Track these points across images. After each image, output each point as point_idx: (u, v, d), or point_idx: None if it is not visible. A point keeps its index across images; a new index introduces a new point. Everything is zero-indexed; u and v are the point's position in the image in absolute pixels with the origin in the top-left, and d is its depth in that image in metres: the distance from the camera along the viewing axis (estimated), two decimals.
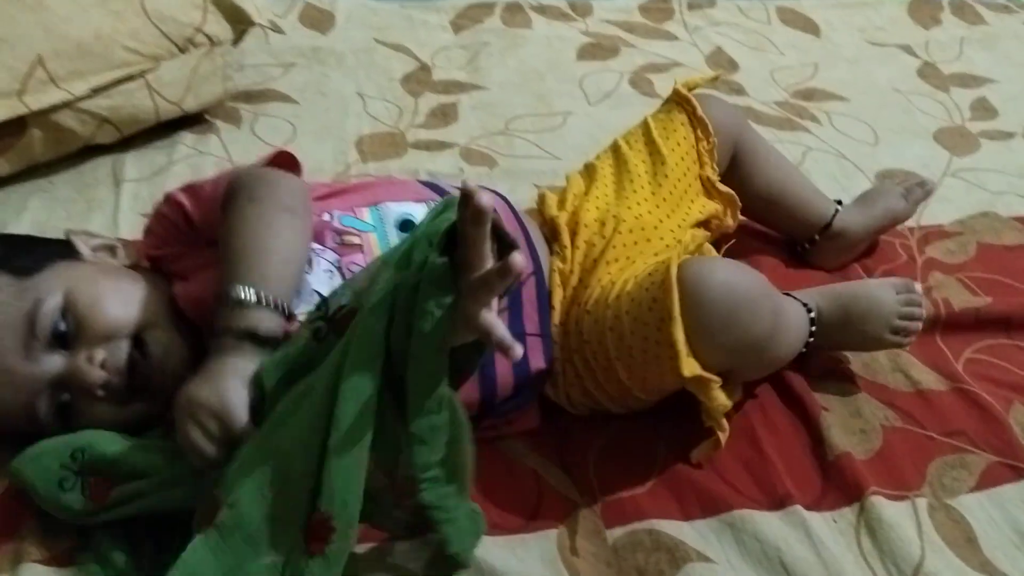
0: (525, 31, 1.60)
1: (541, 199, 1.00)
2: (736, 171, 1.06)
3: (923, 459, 0.89)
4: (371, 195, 0.91)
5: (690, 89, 1.03)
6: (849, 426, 0.91)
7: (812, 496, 0.84)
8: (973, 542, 0.82)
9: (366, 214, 0.88)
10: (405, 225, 0.87)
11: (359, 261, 0.84)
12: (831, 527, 0.82)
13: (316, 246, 0.84)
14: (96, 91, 1.14)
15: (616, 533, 0.81)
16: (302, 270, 0.80)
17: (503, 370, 0.85)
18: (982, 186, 1.28)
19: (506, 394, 0.86)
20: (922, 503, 0.84)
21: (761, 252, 1.10)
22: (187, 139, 1.26)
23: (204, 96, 1.27)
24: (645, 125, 1.02)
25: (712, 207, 1.01)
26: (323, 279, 0.82)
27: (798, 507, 0.82)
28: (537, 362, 0.87)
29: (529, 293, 0.88)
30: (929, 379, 0.97)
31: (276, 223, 0.78)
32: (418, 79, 1.45)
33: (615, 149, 1.02)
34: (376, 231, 0.87)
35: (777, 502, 0.83)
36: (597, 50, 1.56)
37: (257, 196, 0.79)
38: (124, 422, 0.79)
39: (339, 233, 0.85)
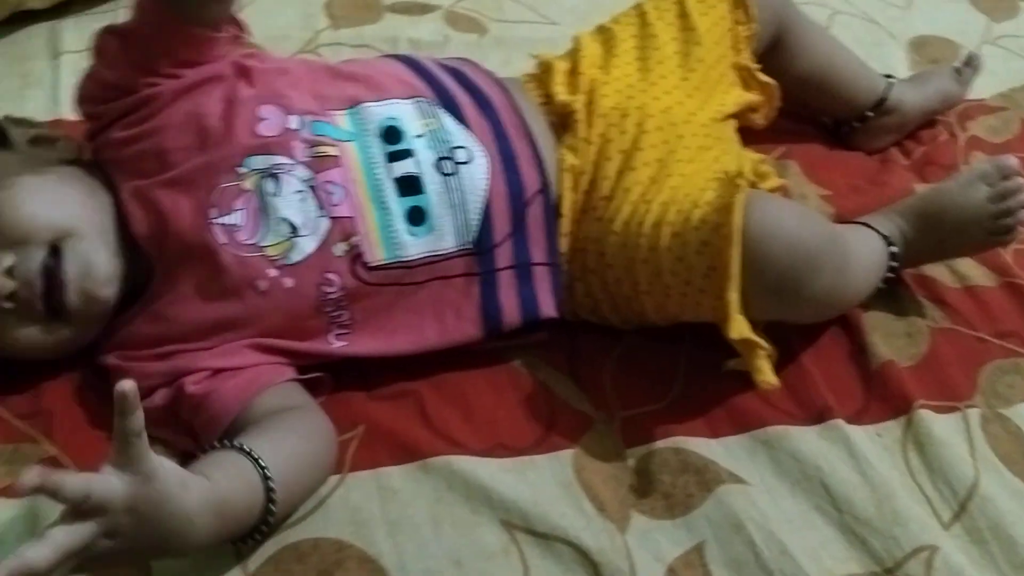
0: None
1: (546, 69, 0.86)
2: (775, 56, 0.93)
3: (974, 364, 0.81)
4: (346, 88, 0.76)
5: None
6: (893, 328, 0.83)
7: (853, 408, 0.76)
8: None
9: (343, 119, 0.74)
10: (390, 134, 0.74)
11: (336, 178, 0.71)
12: (875, 442, 0.74)
13: (284, 160, 0.70)
14: None
15: (638, 452, 0.73)
16: None
17: (509, 306, 0.76)
18: None
19: (513, 328, 0.77)
20: (974, 414, 0.77)
21: (792, 134, 1.00)
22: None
23: None
24: None
25: (747, 99, 0.89)
26: (293, 202, 0.70)
27: (839, 421, 0.74)
28: (546, 301, 0.77)
29: (535, 212, 0.77)
30: (976, 273, 0.88)
31: None
32: None
33: (641, 14, 0.88)
34: (356, 140, 0.73)
35: (815, 415, 0.75)
36: None
37: None
38: (50, 349, 0.69)
39: (311, 144, 0.71)
